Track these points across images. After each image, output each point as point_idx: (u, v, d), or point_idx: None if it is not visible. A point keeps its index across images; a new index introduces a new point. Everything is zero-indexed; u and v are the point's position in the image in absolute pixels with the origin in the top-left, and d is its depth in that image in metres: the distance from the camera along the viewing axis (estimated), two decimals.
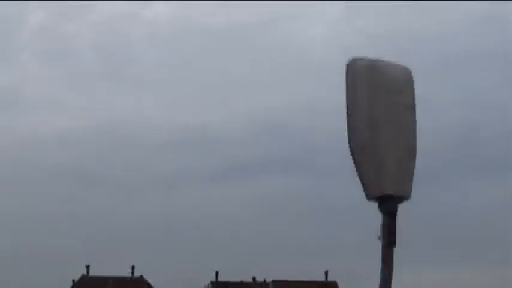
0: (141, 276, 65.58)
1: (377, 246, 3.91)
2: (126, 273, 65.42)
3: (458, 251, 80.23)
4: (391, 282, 3.41)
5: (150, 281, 65.52)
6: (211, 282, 67.71)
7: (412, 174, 3.71)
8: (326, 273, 68.75)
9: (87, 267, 65.22)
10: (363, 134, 3.77)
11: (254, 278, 69.35)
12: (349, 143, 3.78)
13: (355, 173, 3.65)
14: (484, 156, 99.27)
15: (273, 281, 67.04)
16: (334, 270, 67.13)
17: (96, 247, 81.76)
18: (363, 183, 3.67)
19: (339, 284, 68.02)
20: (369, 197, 3.65)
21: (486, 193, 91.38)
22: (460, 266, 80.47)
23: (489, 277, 79.87)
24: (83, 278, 64.73)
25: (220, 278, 68.15)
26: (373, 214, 3.78)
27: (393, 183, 3.64)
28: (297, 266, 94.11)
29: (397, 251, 3.81)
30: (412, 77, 3.90)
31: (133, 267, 65.66)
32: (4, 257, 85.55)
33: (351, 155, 3.60)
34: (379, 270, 3.92)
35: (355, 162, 3.78)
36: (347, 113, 3.78)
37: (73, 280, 65.33)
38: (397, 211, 3.65)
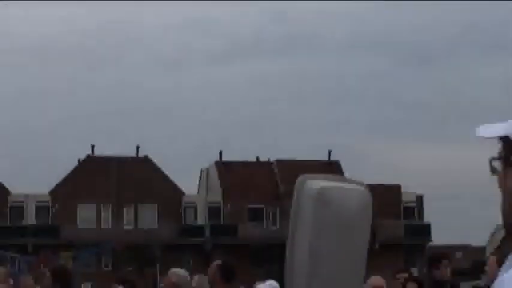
0: (146, 156, 66.34)
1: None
2: (131, 153, 66.20)
3: None
4: None
5: (155, 160, 66.34)
6: (215, 162, 68.47)
7: None
8: (329, 153, 69.51)
9: (93, 146, 66.00)
10: (301, 269, 3.54)
11: (258, 158, 70.12)
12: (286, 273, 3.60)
13: None
14: None
15: (277, 161, 67.75)
16: (337, 148, 67.52)
17: (101, 126, 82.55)
18: None
19: (341, 163, 68.81)
20: None
21: None
22: None
23: None
24: (88, 157, 65.56)
25: (224, 158, 68.98)
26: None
27: None
28: (301, 145, 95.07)
29: None
30: (370, 205, 3.62)
31: (138, 147, 66.39)
32: (12, 133, 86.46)
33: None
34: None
35: None
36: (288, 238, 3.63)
37: (78, 160, 66.24)
38: None
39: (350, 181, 3.73)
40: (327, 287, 3.61)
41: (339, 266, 3.53)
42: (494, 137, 1.77)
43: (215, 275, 7.87)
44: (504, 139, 1.76)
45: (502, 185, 1.75)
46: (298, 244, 3.77)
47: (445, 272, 8.55)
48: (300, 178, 3.59)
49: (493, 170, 1.78)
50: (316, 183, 3.41)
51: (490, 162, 1.79)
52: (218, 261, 8.17)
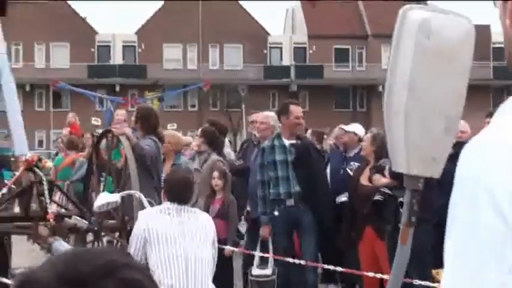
0: None
1: None
2: None
3: None
4: (406, 261, 3.17)
5: (240, 1, 65.74)
6: (301, 2, 67.46)
7: (446, 153, 3.23)
8: None
9: None
10: (399, 98, 3.26)
11: None
12: (383, 104, 3.32)
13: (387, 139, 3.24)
14: None
15: (363, 0, 66.34)
16: None
17: None
18: (390, 155, 3.24)
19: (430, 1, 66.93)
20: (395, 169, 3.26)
21: None
22: None
23: None
24: None
25: None
26: None
27: (421, 162, 3.19)
28: None
29: None
30: (473, 36, 3.29)
31: None
32: None
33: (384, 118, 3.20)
34: None
35: (386, 128, 3.34)
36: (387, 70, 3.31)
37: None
38: (421, 189, 3.25)
39: (455, 14, 3.40)
40: (423, 114, 3.32)
41: (437, 100, 3.27)
42: None
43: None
44: None
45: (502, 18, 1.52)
46: (397, 76, 3.45)
47: None
48: (404, 7, 3.30)
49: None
50: (419, 13, 3.15)
51: None
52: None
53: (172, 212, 5.45)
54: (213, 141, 9.78)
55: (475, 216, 1.30)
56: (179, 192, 5.50)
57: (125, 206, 7.18)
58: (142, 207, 5.89)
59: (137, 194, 6.13)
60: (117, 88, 59.60)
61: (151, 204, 5.81)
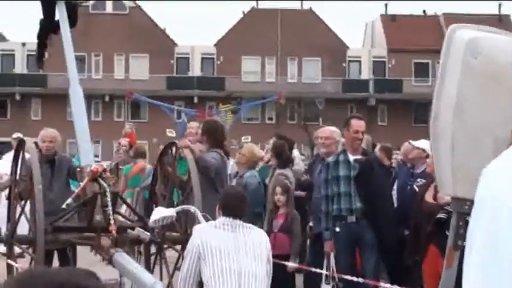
0: (310, 8, 65.68)
1: None
2: (296, 5, 65.67)
3: None
4: (452, 284, 3.10)
5: (319, 13, 65.72)
6: (381, 15, 67.08)
7: None
8: (499, 6, 66.50)
9: None
10: (446, 119, 3.18)
11: (424, 11, 68.10)
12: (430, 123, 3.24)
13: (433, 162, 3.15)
14: None
15: (444, 14, 65.51)
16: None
17: None
18: (437, 177, 3.15)
19: None
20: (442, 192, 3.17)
21: None
22: None
23: None
24: (253, 8, 65.53)
25: (390, 11, 67.40)
26: None
27: (468, 184, 3.11)
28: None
29: None
30: None
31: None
32: None
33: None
34: None
35: (432, 149, 3.25)
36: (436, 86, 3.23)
37: (243, 12, 66.51)
38: (468, 212, 3.13)
39: (505, 33, 3.28)
40: (470, 135, 3.27)
41: (485, 121, 3.22)
42: None
43: None
44: None
45: None
46: (445, 93, 3.38)
47: None
48: (452, 26, 3.23)
49: None
50: (467, 32, 3.06)
51: None
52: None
53: (227, 226, 5.40)
54: (281, 155, 9.76)
55: (496, 231, 1.32)
56: (234, 207, 5.45)
57: (189, 219, 7.18)
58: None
59: (192, 208, 6.10)
60: (196, 100, 60.07)
61: (206, 219, 5.76)
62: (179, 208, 6.22)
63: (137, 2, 63.73)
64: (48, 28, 9.13)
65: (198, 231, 5.46)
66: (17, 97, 61.04)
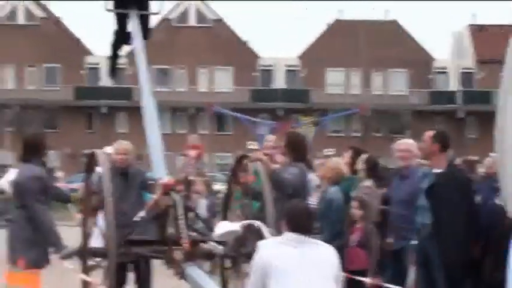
0: (395, 20, 64.99)
1: None
2: (380, 17, 65.10)
3: None
4: None
5: (403, 24, 64.94)
6: (469, 25, 65.94)
7: None
8: None
9: (341, 10, 65.53)
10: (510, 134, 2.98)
11: None
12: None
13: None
14: None
15: None
16: None
17: None
18: (504, 194, 2.95)
19: None
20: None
21: None
22: None
23: None
24: (337, 21, 65.20)
25: (478, 21, 66.21)
26: None
27: None
28: None
29: None
30: None
31: (386, 11, 65.20)
32: None
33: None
34: None
35: (498, 166, 3.04)
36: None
37: (327, 24, 66.31)
38: None
39: None
40: None
41: None
42: None
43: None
44: None
45: None
46: (509, 108, 3.21)
47: None
48: None
49: None
50: None
51: None
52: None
53: (293, 243, 5.22)
54: (375, 170, 9.53)
55: None
56: (300, 222, 5.26)
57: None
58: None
59: (256, 224, 5.95)
60: (280, 112, 59.98)
61: (272, 234, 5.60)
62: (244, 222, 6.08)
63: (220, 15, 64.18)
64: (121, 40, 9.13)
65: (264, 247, 5.30)
66: (103, 110, 62.07)
